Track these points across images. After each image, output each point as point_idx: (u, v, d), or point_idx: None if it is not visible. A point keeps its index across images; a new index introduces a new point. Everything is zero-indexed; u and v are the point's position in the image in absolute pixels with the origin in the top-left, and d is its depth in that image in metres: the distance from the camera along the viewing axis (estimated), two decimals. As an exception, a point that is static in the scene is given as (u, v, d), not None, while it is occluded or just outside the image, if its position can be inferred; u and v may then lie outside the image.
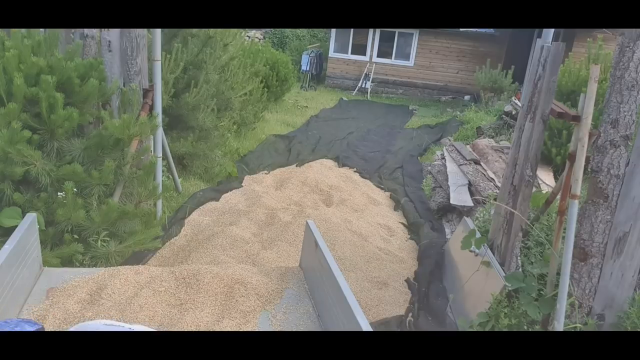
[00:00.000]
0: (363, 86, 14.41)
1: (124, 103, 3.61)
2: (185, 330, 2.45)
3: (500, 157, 6.31)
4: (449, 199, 5.21)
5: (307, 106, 11.42)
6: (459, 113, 11.23)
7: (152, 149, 3.98)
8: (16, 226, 2.61)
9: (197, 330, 2.46)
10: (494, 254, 3.40)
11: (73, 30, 3.59)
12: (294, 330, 2.59)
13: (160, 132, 4.08)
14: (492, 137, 7.65)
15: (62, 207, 3.04)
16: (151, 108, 3.88)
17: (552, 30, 3.14)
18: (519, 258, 3.25)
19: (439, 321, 3.38)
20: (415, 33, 14.14)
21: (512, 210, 3.20)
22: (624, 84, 2.49)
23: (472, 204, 4.97)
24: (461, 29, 13.20)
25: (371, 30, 14.17)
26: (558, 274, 2.63)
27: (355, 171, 6.73)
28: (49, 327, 2.34)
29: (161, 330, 2.44)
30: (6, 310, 2.28)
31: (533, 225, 3.40)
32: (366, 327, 2.02)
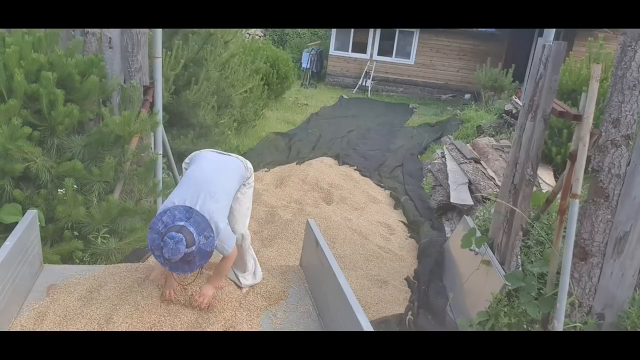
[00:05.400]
0: (363, 84, 14.38)
1: (124, 100, 3.61)
2: (185, 327, 2.45)
3: (501, 156, 6.31)
4: (449, 198, 5.21)
5: (307, 104, 11.41)
6: (459, 112, 11.22)
7: (152, 146, 3.97)
8: (17, 223, 2.61)
9: (196, 327, 2.47)
10: (494, 253, 3.40)
11: (74, 26, 3.59)
12: (295, 328, 2.59)
13: (160, 129, 4.07)
14: (493, 136, 7.65)
15: (62, 203, 3.04)
16: (152, 105, 3.87)
17: (554, 29, 3.14)
18: (519, 257, 3.25)
19: (438, 320, 3.38)
20: (416, 31, 14.11)
21: (514, 208, 3.20)
22: (626, 83, 2.48)
23: (472, 203, 4.97)
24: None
25: (371, 29, 14.14)
26: (558, 273, 2.63)
27: (355, 169, 6.73)
28: (49, 325, 2.34)
29: (161, 325, 2.44)
30: (6, 307, 2.28)
31: (533, 225, 3.40)
32: (366, 325, 2.02)
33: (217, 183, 2.44)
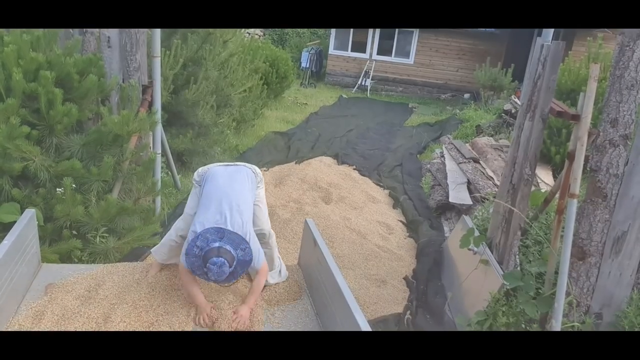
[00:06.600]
0: (363, 84, 14.38)
1: (123, 99, 3.60)
2: (182, 327, 2.45)
3: (500, 155, 6.32)
4: (447, 197, 5.22)
5: (306, 103, 11.41)
6: (458, 111, 11.22)
7: (151, 145, 3.97)
8: (15, 222, 2.61)
9: (196, 325, 2.47)
10: (492, 253, 3.40)
11: (72, 25, 3.59)
12: (293, 328, 2.59)
13: (159, 128, 4.07)
14: (492, 136, 7.65)
15: (61, 203, 3.04)
16: (150, 104, 3.87)
17: (552, 29, 3.14)
18: (517, 256, 3.25)
19: (437, 319, 3.39)
20: (415, 31, 14.11)
21: (512, 208, 3.21)
22: (624, 83, 2.48)
23: (471, 203, 4.97)
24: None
25: (371, 28, 14.14)
26: (556, 272, 2.63)
27: (354, 169, 6.73)
28: (47, 324, 2.34)
29: (159, 324, 2.44)
30: (4, 307, 2.28)
31: (532, 224, 3.40)
32: (364, 325, 2.02)
33: (237, 196, 2.53)
